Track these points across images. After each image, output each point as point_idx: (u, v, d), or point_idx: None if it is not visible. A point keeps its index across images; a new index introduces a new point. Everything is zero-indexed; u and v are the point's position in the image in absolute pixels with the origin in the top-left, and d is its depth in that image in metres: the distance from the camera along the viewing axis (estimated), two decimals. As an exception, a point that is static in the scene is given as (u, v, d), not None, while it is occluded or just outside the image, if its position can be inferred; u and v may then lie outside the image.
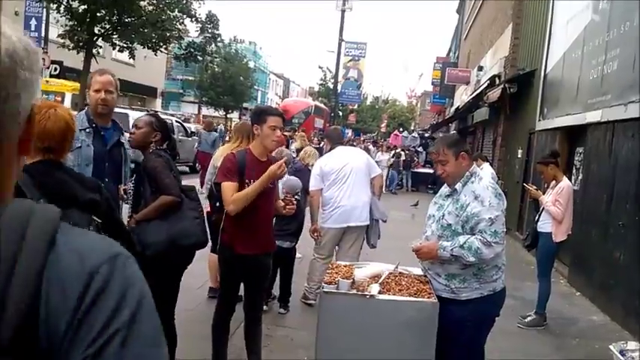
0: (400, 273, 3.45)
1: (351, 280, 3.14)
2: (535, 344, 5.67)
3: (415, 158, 23.06)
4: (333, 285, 3.06)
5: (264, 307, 6.24)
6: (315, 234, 6.12)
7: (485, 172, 9.20)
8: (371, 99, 64.39)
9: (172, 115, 22.65)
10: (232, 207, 3.71)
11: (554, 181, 6.24)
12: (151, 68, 30.97)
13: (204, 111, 46.70)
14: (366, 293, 3.00)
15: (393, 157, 20.80)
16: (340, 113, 32.51)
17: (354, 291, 3.10)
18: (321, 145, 22.11)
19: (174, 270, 3.63)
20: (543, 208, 6.13)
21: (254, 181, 3.74)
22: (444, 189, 3.51)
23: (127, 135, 4.02)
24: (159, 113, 3.75)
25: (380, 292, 3.06)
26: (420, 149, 25.23)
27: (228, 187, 3.69)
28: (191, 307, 5.48)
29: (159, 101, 39.67)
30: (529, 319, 6.13)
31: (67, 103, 19.53)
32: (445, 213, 3.33)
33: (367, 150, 20.58)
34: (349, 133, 43.37)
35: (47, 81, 18.65)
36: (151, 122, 3.59)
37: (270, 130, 3.77)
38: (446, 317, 3.02)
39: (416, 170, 21.85)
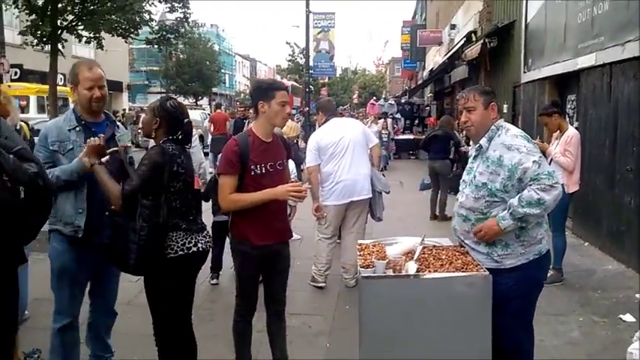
0: (434, 246, 3.17)
1: (386, 261, 2.85)
2: (558, 301, 5.49)
3: (395, 125, 22.74)
4: (370, 269, 2.77)
5: (215, 281, 6.04)
6: (319, 213, 5.83)
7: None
8: (340, 71, 63.92)
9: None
10: (225, 205, 3.45)
11: (558, 131, 6.01)
12: (114, 62, 30.02)
13: (174, 100, 45.79)
14: (409, 274, 2.71)
15: (388, 129, 19.46)
16: (312, 88, 32.06)
17: (391, 271, 2.81)
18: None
19: (186, 275, 3.30)
20: (551, 160, 5.90)
21: (262, 167, 3.43)
22: (471, 150, 3.22)
23: (122, 126, 3.67)
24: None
25: (418, 270, 2.78)
26: (397, 116, 24.90)
27: (225, 182, 3.40)
28: (196, 303, 5.18)
29: (125, 95, 38.74)
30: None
31: (32, 106, 18.86)
32: (476, 174, 3.05)
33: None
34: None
35: (9, 86, 17.89)
36: (153, 109, 3.20)
37: (279, 107, 3.45)
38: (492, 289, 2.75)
39: (397, 137, 21.52)
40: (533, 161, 2.86)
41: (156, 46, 20.37)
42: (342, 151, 5.72)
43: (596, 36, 7.27)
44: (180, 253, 3.13)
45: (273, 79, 3.92)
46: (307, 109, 26.30)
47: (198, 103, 46.05)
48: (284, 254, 3.69)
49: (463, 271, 2.76)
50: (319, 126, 6.27)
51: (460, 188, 3.18)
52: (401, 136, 22.21)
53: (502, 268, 2.95)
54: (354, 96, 60.00)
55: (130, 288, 4.82)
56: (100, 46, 18.15)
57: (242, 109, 15.21)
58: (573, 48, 8.09)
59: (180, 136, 3.23)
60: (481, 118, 3.09)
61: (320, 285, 5.95)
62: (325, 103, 6.36)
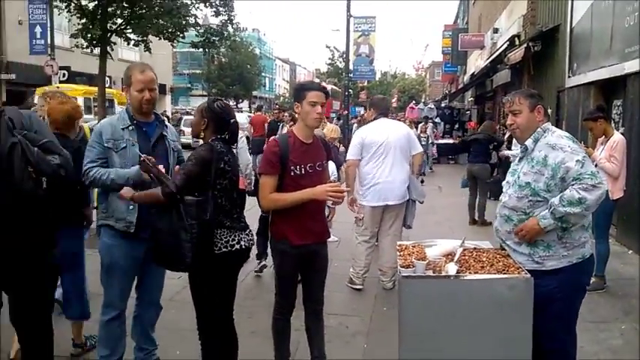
0: (475, 248, 3.18)
1: (426, 262, 2.88)
2: (601, 308, 5.40)
3: (434, 130, 22.52)
4: (410, 269, 2.80)
5: (264, 263, 6.19)
6: (354, 206, 5.87)
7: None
8: (379, 74, 63.73)
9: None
10: (264, 204, 3.55)
11: (603, 137, 5.91)
12: (158, 65, 30.59)
13: (215, 103, 46.45)
14: (449, 274, 2.73)
15: (427, 134, 18.80)
16: (351, 92, 32.05)
17: (431, 272, 2.84)
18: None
19: (229, 271, 3.40)
20: (595, 166, 5.80)
21: (301, 168, 3.49)
22: (516, 150, 3.24)
23: (170, 126, 3.80)
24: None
25: (458, 271, 2.80)
26: (437, 120, 24.67)
27: (266, 182, 3.48)
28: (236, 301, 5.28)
29: (168, 98, 39.49)
30: (589, 282, 5.82)
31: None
32: (520, 174, 3.07)
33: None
34: (361, 111, 42.92)
35: (58, 87, 18.50)
36: (201, 110, 3.33)
37: (309, 107, 3.50)
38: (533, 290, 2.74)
39: (436, 142, 21.31)
40: (577, 160, 2.86)
41: (200, 49, 20.73)
42: (384, 152, 5.74)
43: (644, 40, 7.11)
44: (225, 250, 3.22)
45: (311, 80, 3.98)
46: (346, 112, 26.31)
47: (238, 105, 46.66)
48: (322, 254, 3.74)
49: (504, 274, 2.76)
50: (367, 122, 6.32)
51: (504, 190, 3.19)
52: (440, 141, 21.98)
53: (544, 270, 2.94)
54: (394, 100, 59.69)
55: (173, 285, 4.94)
56: (147, 48, 18.62)
57: (276, 111, 15.30)
58: (620, 52, 7.92)
59: (227, 136, 3.33)
60: (526, 121, 3.11)
61: (357, 287, 5.99)
62: (379, 101, 6.35)
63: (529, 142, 3.09)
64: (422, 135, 18.71)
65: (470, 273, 2.81)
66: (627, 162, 5.93)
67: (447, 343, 2.69)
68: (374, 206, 5.83)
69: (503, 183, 3.21)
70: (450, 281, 2.71)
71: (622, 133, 7.86)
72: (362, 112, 40.60)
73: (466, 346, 2.69)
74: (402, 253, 3.09)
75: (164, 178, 3.17)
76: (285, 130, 10.35)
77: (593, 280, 5.81)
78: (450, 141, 21.99)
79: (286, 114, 12.47)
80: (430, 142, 19.29)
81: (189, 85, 53.25)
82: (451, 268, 2.82)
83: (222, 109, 3.35)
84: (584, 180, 2.83)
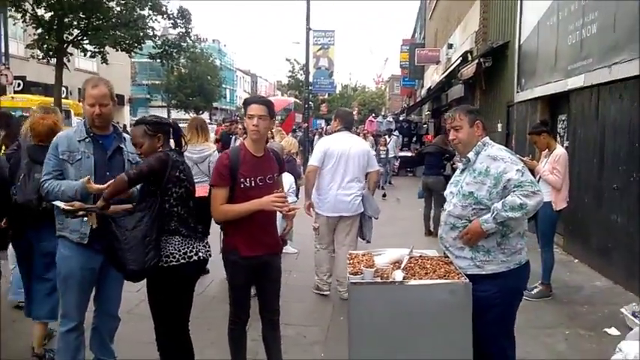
0: (420, 256, 3.36)
1: (374, 269, 3.04)
2: (547, 315, 5.66)
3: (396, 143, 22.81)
4: (359, 275, 2.96)
5: None
6: (310, 211, 6.08)
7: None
8: (340, 87, 64.26)
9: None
10: (215, 216, 3.61)
11: (547, 150, 6.22)
12: (116, 75, 30.25)
13: (174, 114, 46.12)
14: (395, 280, 2.90)
15: (387, 147, 18.62)
16: (311, 104, 32.27)
17: (378, 279, 3.00)
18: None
19: (187, 282, 3.49)
20: (539, 178, 6.09)
21: (251, 180, 3.59)
22: (459, 164, 3.46)
23: (129, 138, 3.85)
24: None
25: (404, 278, 2.97)
26: (396, 133, 25.07)
27: (217, 194, 3.56)
28: (195, 313, 5.32)
29: (127, 108, 38.99)
30: (535, 290, 6.09)
31: (35, 118, 19.01)
32: (463, 184, 3.29)
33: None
34: (322, 124, 43.20)
35: (12, 97, 18.13)
36: (144, 132, 3.39)
37: (248, 120, 3.62)
38: (473, 295, 2.93)
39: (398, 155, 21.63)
40: (517, 170, 3.11)
41: (158, 61, 20.69)
42: (343, 166, 5.92)
43: (585, 58, 7.49)
44: (182, 261, 3.30)
45: (255, 94, 4.12)
46: (306, 125, 26.50)
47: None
48: (274, 265, 3.82)
49: (445, 279, 2.95)
50: (332, 132, 6.51)
51: (447, 199, 3.40)
52: (399, 153, 22.33)
53: (484, 274, 3.15)
54: (354, 112, 60.15)
55: (131, 297, 4.97)
56: (104, 60, 18.47)
57: (227, 123, 15.05)
58: (564, 69, 8.30)
59: (176, 139, 3.50)
60: (467, 135, 3.33)
61: (325, 293, 6.16)
62: (345, 114, 6.47)
63: (471, 155, 3.31)
64: (382, 149, 18.80)
65: (414, 279, 2.98)
66: (571, 175, 6.26)
67: (393, 345, 2.84)
68: (329, 216, 6.01)
69: (446, 193, 3.42)
70: (395, 287, 2.88)
71: (566, 147, 8.27)
72: (323, 125, 40.89)
73: (412, 348, 2.85)
74: (352, 261, 3.25)
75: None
76: (237, 143, 10.44)
77: (540, 288, 6.11)
78: (409, 154, 22.39)
79: (240, 126, 12.37)
80: (393, 155, 19.50)
81: (148, 96, 52.57)
82: (397, 275, 2.99)
83: (155, 117, 3.54)
84: (525, 187, 3.07)
